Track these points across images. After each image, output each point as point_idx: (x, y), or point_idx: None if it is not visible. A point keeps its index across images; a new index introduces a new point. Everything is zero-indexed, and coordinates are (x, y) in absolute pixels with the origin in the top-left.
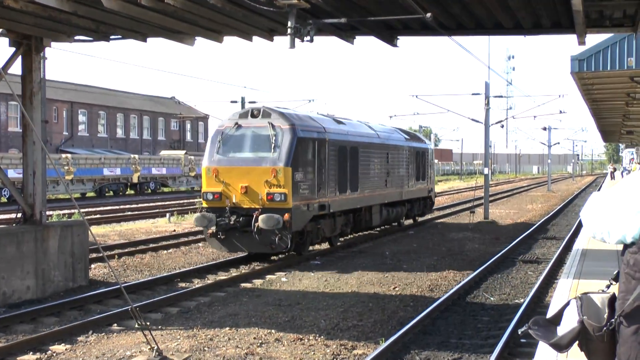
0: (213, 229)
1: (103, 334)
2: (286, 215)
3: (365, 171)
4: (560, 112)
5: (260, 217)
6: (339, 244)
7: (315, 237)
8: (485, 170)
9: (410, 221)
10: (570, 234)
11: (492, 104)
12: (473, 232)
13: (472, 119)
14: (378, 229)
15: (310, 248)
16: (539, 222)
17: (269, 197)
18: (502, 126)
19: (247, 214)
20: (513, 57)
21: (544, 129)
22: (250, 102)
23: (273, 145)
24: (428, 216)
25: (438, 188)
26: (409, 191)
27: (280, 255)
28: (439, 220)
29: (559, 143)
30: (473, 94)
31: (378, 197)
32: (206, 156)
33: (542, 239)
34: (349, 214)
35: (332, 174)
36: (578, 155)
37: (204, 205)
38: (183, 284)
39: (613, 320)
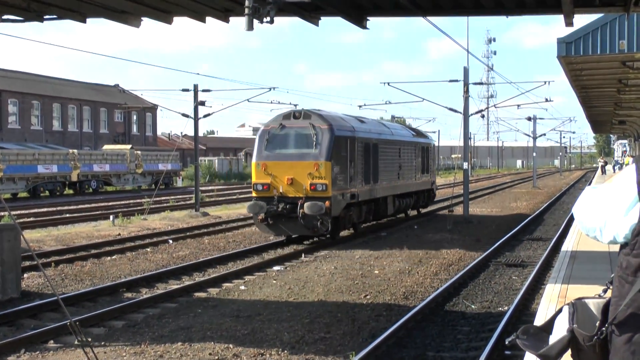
0: (262, 215)
1: (38, 352)
2: (327, 203)
3: (383, 165)
4: (547, 100)
5: (306, 204)
6: (303, 249)
7: (347, 222)
8: (465, 165)
9: (415, 212)
10: (559, 235)
11: (472, 92)
12: (451, 233)
13: (450, 109)
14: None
15: (273, 254)
16: (524, 222)
17: (312, 187)
18: (483, 116)
19: (292, 202)
20: (494, 40)
21: (529, 119)
22: (203, 91)
23: (314, 142)
24: (414, 212)
25: None
26: (416, 183)
27: (245, 261)
28: (414, 221)
29: (545, 135)
30: (451, 81)
31: (392, 189)
32: (255, 153)
33: (527, 240)
34: (371, 203)
35: (359, 167)
36: (566, 147)
37: (254, 195)
38: (129, 295)
39: (604, 328)
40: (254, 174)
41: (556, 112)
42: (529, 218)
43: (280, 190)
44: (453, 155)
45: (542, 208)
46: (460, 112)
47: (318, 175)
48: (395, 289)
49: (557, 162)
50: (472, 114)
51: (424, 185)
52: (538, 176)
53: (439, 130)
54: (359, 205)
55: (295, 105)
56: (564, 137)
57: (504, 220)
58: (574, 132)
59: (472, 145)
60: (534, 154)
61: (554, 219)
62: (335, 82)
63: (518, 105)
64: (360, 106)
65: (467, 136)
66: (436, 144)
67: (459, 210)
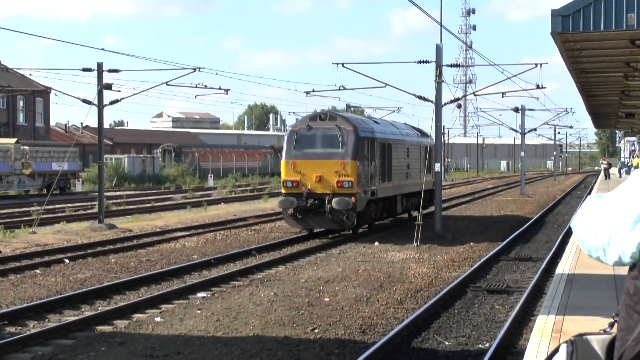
0: (291, 210)
1: None
2: (353, 199)
3: (395, 164)
4: (538, 87)
5: (334, 200)
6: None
7: (368, 218)
8: (437, 167)
9: (415, 214)
10: (552, 254)
11: (446, 76)
12: (419, 251)
13: (418, 96)
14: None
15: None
16: (509, 238)
17: (339, 184)
18: (459, 106)
19: (320, 197)
20: (473, 11)
21: (516, 110)
22: (109, 71)
23: (340, 143)
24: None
25: None
26: (420, 183)
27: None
28: (372, 236)
29: (535, 130)
30: (419, 62)
31: (402, 188)
32: (284, 152)
33: (514, 261)
34: (386, 201)
35: (378, 166)
36: (561, 146)
37: (283, 191)
38: (12, 329)
39: None
40: (283, 172)
41: (549, 102)
42: (515, 233)
43: (309, 187)
44: None
45: (532, 221)
46: (432, 101)
47: (344, 173)
48: (350, 320)
49: (550, 164)
50: (445, 104)
51: (427, 186)
52: (527, 181)
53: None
54: (377, 202)
55: (226, 91)
56: (558, 132)
57: (484, 236)
58: (571, 127)
59: (446, 142)
60: (522, 154)
61: (546, 235)
62: (276, 62)
63: (503, 93)
64: (307, 92)
65: (439, 131)
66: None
67: (429, 222)
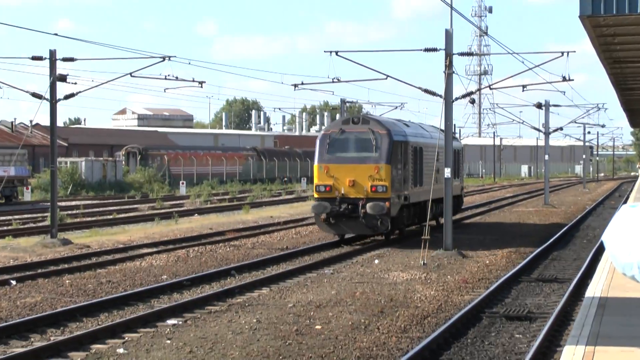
0: (324, 215)
1: None
2: (387, 203)
3: (426, 169)
4: (565, 79)
5: (368, 205)
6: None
7: (400, 223)
8: (447, 172)
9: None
10: (581, 274)
11: (458, 67)
12: (427, 271)
13: (425, 90)
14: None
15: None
16: (532, 255)
17: (373, 188)
18: (473, 101)
19: (354, 202)
20: None
21: (539, 106)
22: (64, 59)
23: (374, 147)
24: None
25: None
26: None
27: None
28: (375, 252)
29: (561, 129)
30: (426, 50)
31: (432, 192)
32: (317, 156)
33: (537, 282)
34: (417, 206)
35: (410, 170)
36: (592, 148)
37: (315, 195)
38: None
39: None
40: (316, 176)
41: (578, 97)
42: (538, 249)
43: (342, 192)
44: None
45: (558, 235)
46: (440, 96)
47: (379, 178)
48: (346, 352)
49: (579, 169)
50: (456, 99)
51: (455, 191)
52: (552, 189)
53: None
54: (409, 207)
55: (201, 84)
56: (588, 132)
57: (502, 252)
58: (603, 126)
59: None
60: (546, 157)
61: (574, 251)
62: (257, 50)
63: (524, 87)
64: (295, 85)
65: (449, 130)
66: (463, 146)
67: (438, 236)
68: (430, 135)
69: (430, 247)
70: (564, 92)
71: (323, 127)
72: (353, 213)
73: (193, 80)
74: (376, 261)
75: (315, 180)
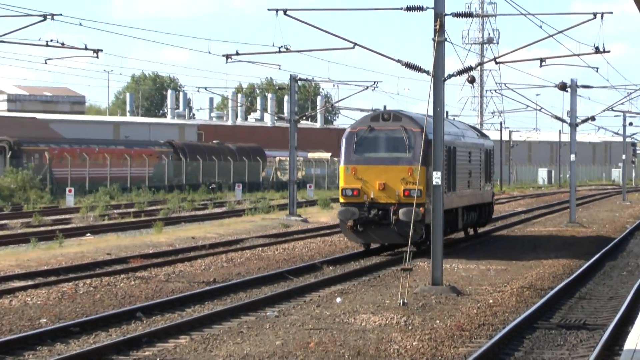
0: (351, 222)
1: None
2: (421, 209)
3: (459, 171)
4: (598, 50)
5: (401, 210)
6: None
7: None
8: (436, 178)
9: (461, 234)
10: (619, 318)
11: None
12: (407, 313)
13: (407, 64)
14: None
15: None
16: (551, 292)
17: (406, 192)
18: (472, 80)
19: (384, 208)
20: None
21: (562, 87)
22: None
23: (407, 146)
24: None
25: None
26: (481, 194)
27: None
28: (330, 289)
29: (593, 119)
30: (408, 9)
31: (464, 199)
32: (343, 156)
33: (558, 329)
34: (449, 214)
35: (445, 173)
36: (635, 145)
37: (341, 200)
38: None
39: None
40: (342, 179)
41: (616, 76)
42: (561, 284)
43: (371, 196)
44: None
45: (588, 265)
46: (428, 72)
47: (412, 181)
48: None
49: (617, 174)
50: (450, 76)
51: (487, 197)
52: (580, 201)
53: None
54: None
55: (96, 53)
56: (630, 124)
57: (511, 288)
58: None
59: None
60: (572, 157)
61: (609, 287)
62: (175, 8)
63: (541, 61)
64: (227, 56)
65: (439, 119)
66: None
67: (422, 266)
68: (463, 134)
69: (383, 290)
70: (597, 69)
71: (350, 124)
72: (383, 220)
73: (86, 48)
74: (338, 299)
75: (341, 183)
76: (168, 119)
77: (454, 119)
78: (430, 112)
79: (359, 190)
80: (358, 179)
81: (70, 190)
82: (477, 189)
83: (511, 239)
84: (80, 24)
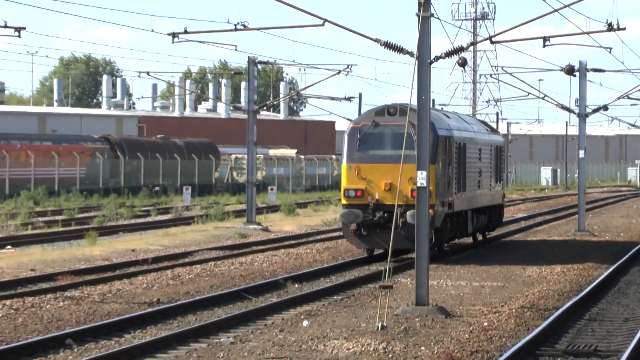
0: (355, 225)
1: None
2: (431, 211)
3: (469, 170)
4: (611, 28)
5: (408, 213)
6: None
7: (444, 236)
8: (420, 179)
9: (469, 239)
10: (635, 344)
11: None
12: (387, 338)
13: (386, 44)
14: None
15: None
16: (557, 313)
17: (414, 193)
18: (463, 63)
19: (390, 210)
20: None
21: (570, 71)
22: None
23: (416, 143)
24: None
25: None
26: (491, 195)
27: None
28: (296, 310)
29: (606, 108)
30: None
31: (474, 200)
32: (345, 154)
33: (564, 357)
34: (459, 217)
35: (455, 172)
36: None
37: (344, 202)
38: None
39: None
40: (344, 178)
41: (631, 57)
42: (568, 303)
43: (376, 197)
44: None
45: (599, 280)
46: (411, 54)
47: None
48: None
49: (634, 173)
50: (437, 58)
51: (497, 198)
52: (591, 205)
53: (360, 95)
54: (452, 217)
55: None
56: None
57: (510, 307)
58: None
59: None
60: (581, 154)
61: (625, 307)
62: None
63: (545, 40)
64: (174, 35)
65: (425, 108)
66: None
67: (404, 282)
68: (473, 129)
69: (359, 311)
70: (610, 50)
71: (352, 120)
72: (389, 223)
73: (5, 26)
74: (305, 322)
75: (344, 184)
76: (103, 110)
77: (441, 108)
78: (415, 101)
79: (362, 191)
80: (362, 179)
81: None
82: (487, 189)
83: (509, 250)
84: None
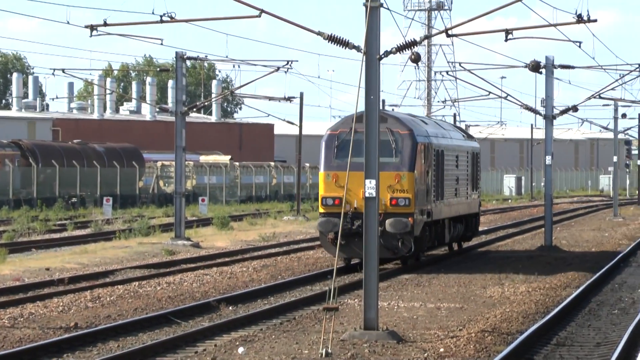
0: (332, 234)
1: None
2: (410, 219)
3: (447, 178)
4: (581, 19)
5: (387, 221)
6: None
7: (423, 245)
8: (369, 188)
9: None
10: None
11: None
12: None
13: (330, 38)
14: None
15: None
16: (521, 337)
17: (393, 201)
18: (416, 59)
19: None
20: None
21: (535, 68)
22: None
23: (394, 150)
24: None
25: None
26: (467, 204)
27: None
28: (231, 335)
29: (575, 109)
30: None
31: (452, 208)
32: (322, 161)
33: None
34: (437, 225)
35: (433, 180)
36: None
37: (321, 210)
38: None
39: None
40: (322, 186)
41: (604, 53)
42: (532, 328)
43: (355, 205)
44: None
45: (568, 301)
46: (359, 49)
47: (400, 188)
48: None
49: (606, 182)
50: (387, 53)
51: (473, 207)
52: (559, 217)
53: (301, 95)
54: (430, 226)
55: None
56: (623, 115)
57: (468, 333)
58: None
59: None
60: (548, 160)
61: (597, 330)
62: None
63: (507, 33)
64: (92, 28)
65: (373, 109)
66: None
67: (351, 304)
68: (450, 135)
69: (301, 335)
70: (580, 44)
71: (329, 127)
72: None
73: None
74: (241, 349)
75: (321, 192)
76: (13, 112)
77: (392, 109)
78: (362, 101)
79: (340, 199)
80: (339, 187)
81: None
82: (464, 197)
83: (467, 268)
84: None
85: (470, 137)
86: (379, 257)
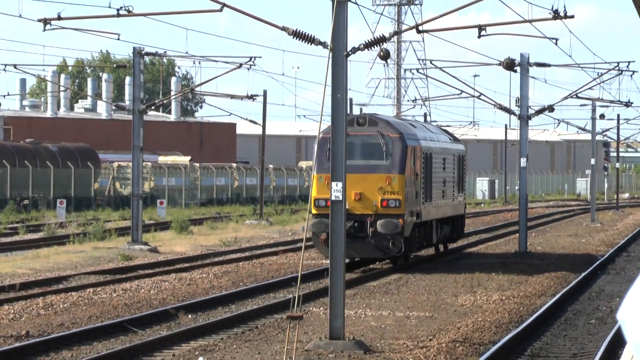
0: (324, 235)
1: None
2: (400, 220)
3: (435, 180)
4: (557, 16)
5: (379, 222)
6: None
7: (413, 245)
8: (336, 191)
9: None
10: None
11: None
12: None
13: (295, 33)
14: None
15: None
16: (493, 348)
17: (384, 203)
18: (385, 56)
19: (360, 219)
20: None
21: (509, 66)
22: None
23: (385, 153)
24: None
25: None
26: (454, 206)
27: None
28: (190, 345)
29: (551, 111)
30: None
31: (439, 210)
32: (316, 164)
33: None
34: (425, 226)
35: (422, 182)
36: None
37: (314, 212)
38: None
39: None
40: (314, 189)
41: (582, 50)
42: (505, 338)
43: (347, 207)
44: (302, 164)
45: (542, 311)
46: (325, 45)
47: (391, 190)
48: None
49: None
50: (355, 50)
51: (459, 209)
52: (534, 223)
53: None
54: (420, 227)
55: None
56: (601, 116)
57: (439, 344)
58: (629, 104)
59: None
60: (523, 162)
61: (573, 341)
62: None
63: (480, 29)
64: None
65: (341, 109)
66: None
67: (316, 312)
68: (438, 138)
69: (264, 345)
70: (556, 41)
71: (322, 130)
72: (360, 232)
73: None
74: (200, 359)
75: (314, 194)
76: None
77: (360, 109)
78: (328, 99)
79: None
80: None
81: None
82: (450, 199)
83: (437, 277)
84: None
85: (456, 140)
86: (344, 263)
